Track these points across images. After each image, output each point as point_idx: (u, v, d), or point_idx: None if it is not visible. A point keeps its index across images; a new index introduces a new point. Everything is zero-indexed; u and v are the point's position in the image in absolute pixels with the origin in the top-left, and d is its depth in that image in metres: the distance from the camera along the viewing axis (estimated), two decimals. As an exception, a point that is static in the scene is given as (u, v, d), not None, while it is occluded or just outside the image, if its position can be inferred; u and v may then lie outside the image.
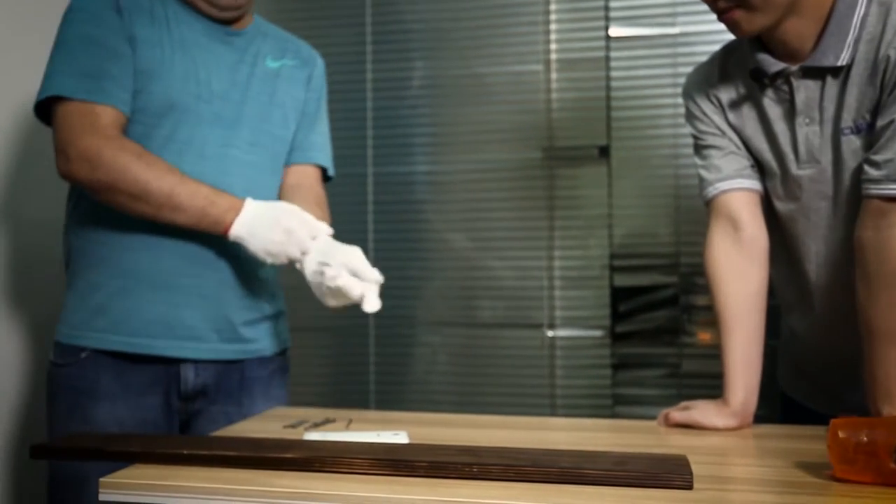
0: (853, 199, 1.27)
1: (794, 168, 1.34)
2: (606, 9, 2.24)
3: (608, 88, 2.25)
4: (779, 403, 1.61)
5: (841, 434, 0.97)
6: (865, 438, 0.95)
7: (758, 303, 1.37)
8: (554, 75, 2.29)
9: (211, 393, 1.52)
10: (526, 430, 1.34)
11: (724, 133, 1.40)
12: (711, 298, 1.39)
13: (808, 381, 1.50)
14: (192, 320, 1.46)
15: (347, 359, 2.41)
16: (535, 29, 2.29)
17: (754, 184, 1.39)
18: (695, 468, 1.00)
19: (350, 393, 2.42)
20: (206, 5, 1.49)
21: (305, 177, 1.63)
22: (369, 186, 2.39)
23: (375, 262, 2.34)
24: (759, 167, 1.40)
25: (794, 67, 1.28)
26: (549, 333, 2.29)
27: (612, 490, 0.94)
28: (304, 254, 1.39)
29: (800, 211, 1.36)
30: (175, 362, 1.47)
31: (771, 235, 1.40)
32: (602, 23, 2.25)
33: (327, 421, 1.38)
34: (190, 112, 1.45)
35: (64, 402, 1.45)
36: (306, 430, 1.31)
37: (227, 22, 1.53)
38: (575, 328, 2.28)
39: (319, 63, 1.67)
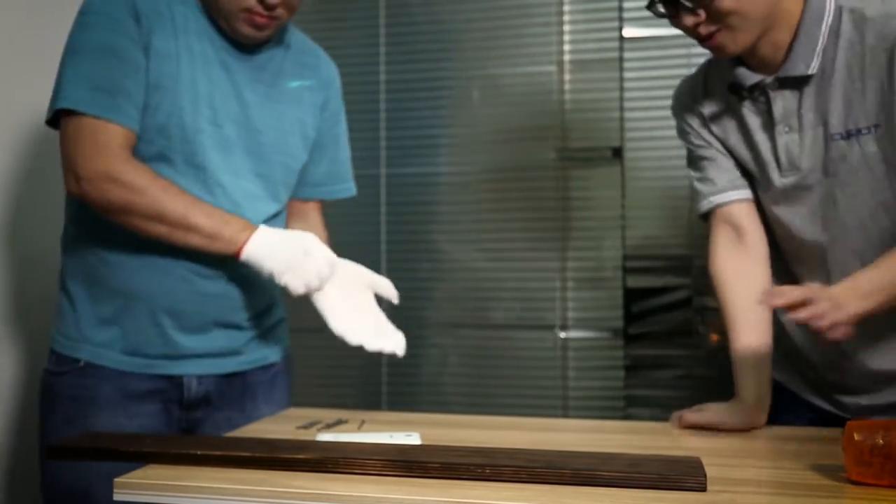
0: (844, 203, 1.30)
1: (776, 176, 1.36)
2: (620, 9, 2.24)
3: (622, 89, 2.24)
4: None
5: (856, 436, 0.96)
6: (881, 441, 0.95)
7: None
8: (567, 76, 2.28)
9: (214, 400, 1.49)
10: (538, 432, 1.34)
11: (711, 144, 1.44)
12: (719, 302, 1.42)
13: (800, 375, 1.51)
14: (194, 342, 1.43)
15: (360, 360, 2.41)
16: (549, 30, 2.29)
17: (749, 193, 1.42)
18: (708, 470, 1.00)
19: (362, 394, 2.42)
20: (229, 30, 1.40)
21: (308, 208, 1.61)
22: (382, 188, 2.39)
23: (388, 262, 2.36)
24: (747, 175, 1.43)
25: (770, 79, 1.31)
26: (562, 335, 2.28)
27: (626, 492, 0.94)
28: (321, 280, 1.36)
29: (788, 215, 1.37)
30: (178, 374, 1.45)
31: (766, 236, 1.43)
32: (616, 23, 2.24)
33: (340, 422, 1.39)
34: (201, 134, 1.39)
35: (62, 411, 1.41)
36: (319, 431, 1.32)
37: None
38: (587, 329, 2.28)
39: (336, 84, 1.61)
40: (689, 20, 1.28)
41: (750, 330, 1.36)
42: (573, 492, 0.94)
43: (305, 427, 1.35)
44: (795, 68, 1.28)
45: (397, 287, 1.44)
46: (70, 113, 1.32)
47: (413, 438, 1.23)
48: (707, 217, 1.46)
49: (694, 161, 1.47)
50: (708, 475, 0.98)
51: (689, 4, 1.26)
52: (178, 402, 1.46)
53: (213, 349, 1.46)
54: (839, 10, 1.26)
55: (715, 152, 1.43)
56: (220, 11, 1.38)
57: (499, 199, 2.31)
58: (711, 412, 1.33)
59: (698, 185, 1.46)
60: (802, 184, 1.33)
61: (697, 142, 1.45)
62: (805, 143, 1.31)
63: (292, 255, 1.34)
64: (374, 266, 1.45)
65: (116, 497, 1.01)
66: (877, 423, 0.97)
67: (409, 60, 2.38)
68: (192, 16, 1.40)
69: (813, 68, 1.27)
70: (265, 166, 1.47)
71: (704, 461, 1.02)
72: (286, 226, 1.57)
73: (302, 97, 1.52)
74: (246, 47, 1.45)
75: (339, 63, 1.68)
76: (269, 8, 1.36)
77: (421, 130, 2.38)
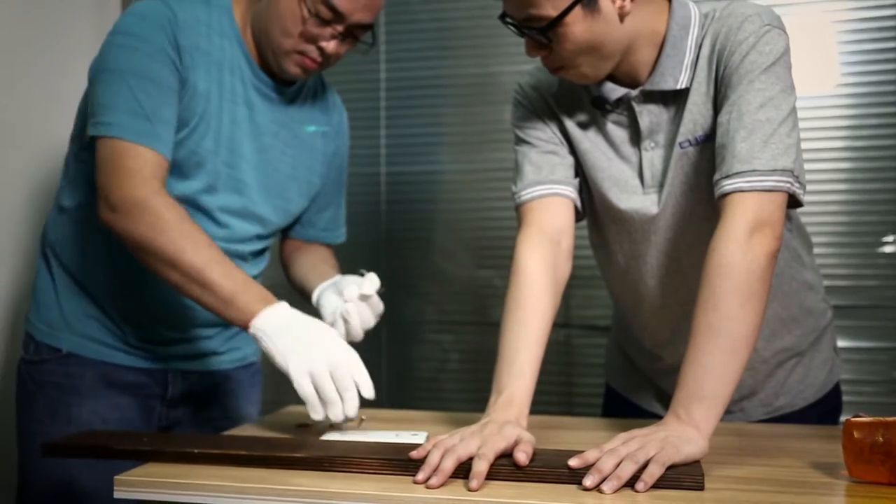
0: (689, 214, 1.25)
1: (638, 190, 1.29)
2: (620, 7, 2.23)
3: (622, 87, 2.23)
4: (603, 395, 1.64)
5: (856, 434, 0.96)
6: (881, 439, 0.95)
7: None
8: (567, 74, 2.28)
9: (197, 398, 1.50)
10: (541, 430, 1.33)
11: (563, 144, 1.34)
12: (515, 295, 1.34)
13: (637, 376, 1.50)
14: (180, 339, 1.45)
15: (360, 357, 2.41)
16: (549, 28, 2.29)
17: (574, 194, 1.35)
18: (709, 468, 1.00)
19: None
20: (276, 66, 1.39)
21: (316, 247, 1.60)
22: (382, 186, 2.39)
23: (388, 261, 2.36)
24: (588, 188, 1.35)
25: (635, 92, 1.24)
26: (565, 332, 2.28)
27: (624, 490, 0.94)
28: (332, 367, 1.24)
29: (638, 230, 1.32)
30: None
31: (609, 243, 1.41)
32: (616, 21, 2.24)
33: (346, 419, 1.38)
34: (216, 175, 1.38)
35: (44, 400, 1.40)
36: (330, 428, 1.31)
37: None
38: (589, 327, 2.27)
39: (346, 131, 1.60)
40: (532, 52, 1.20)
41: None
42: (572, 491, 0.94)
43: (305, 426, 1.34)
44: (664, 82, 1.22)
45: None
46: (106, 137, 1.27)
47: (419, 437, 1.23)
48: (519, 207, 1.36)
49: (533, 147, 1.35)
50: (707, 473, 0.98)
51: (533, 38, 1.18)
52: (161, 397, 1.46)
53: (199, 347, 1.47)
54: (703, 26, 1.21)
55: (565, 151, 1.33)
56: (271, 47, 1.37)
57: (498, 196, 2.31)
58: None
59: (528, 169, 1.34)
60: (657, 199, 1.27)
61: (546, 138, 1.34)
62: (666, 157, 1.25)
63: (303, 341, 1.21)
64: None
65: (116, 494, 1.01)
66: (877, 422, 0.97)
67: (409, 60, 2.38)
68: (228, 48, 1.38)
69: (682, 83, 1.21)
70: (267, 210, 1.47)
71: (705, 459, 1.02)
72: (290, 259, 1.57)
73: (315, 143, 1.53)
74: (275, 84, 1.43)
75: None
76: (326, 56, 1.37)
77: (420, 129, 2.38)
